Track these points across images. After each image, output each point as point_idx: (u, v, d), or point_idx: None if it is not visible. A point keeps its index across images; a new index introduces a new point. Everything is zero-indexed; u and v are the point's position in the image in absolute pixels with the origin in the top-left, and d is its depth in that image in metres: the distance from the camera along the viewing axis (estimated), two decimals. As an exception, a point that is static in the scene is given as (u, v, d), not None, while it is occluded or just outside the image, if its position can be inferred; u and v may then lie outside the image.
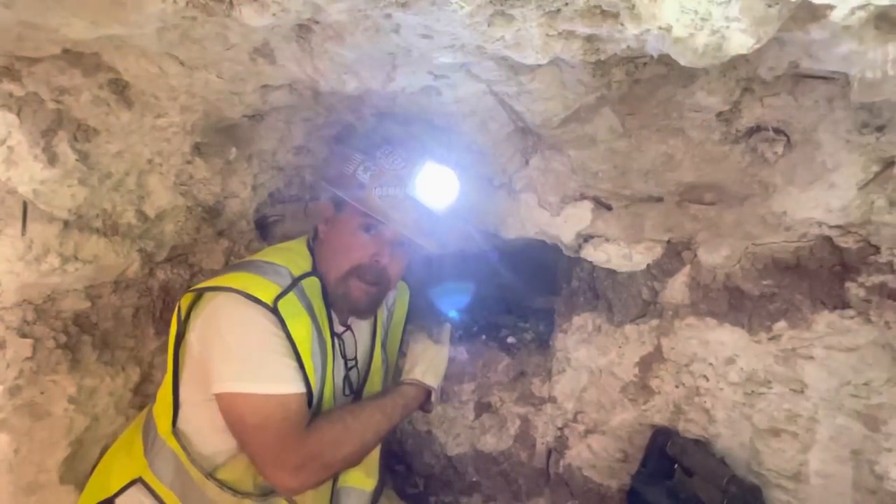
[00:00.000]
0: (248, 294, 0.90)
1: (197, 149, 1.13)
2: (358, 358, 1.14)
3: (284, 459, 0.88)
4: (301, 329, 0.95)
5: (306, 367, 0.94)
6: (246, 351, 0.90)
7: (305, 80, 0.96)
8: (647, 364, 1.27)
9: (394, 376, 1.35)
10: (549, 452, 1.50)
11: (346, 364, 1.12)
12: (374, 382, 1.18)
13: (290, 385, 0.90)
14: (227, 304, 0.91)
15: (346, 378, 1.12)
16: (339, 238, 1.04)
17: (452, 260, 1.75)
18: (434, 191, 1.03)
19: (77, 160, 0.93)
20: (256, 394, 0.88)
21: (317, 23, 0.79)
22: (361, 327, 1.17)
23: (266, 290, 0.92)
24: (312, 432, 0.91)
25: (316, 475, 0.92)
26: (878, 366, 0.94)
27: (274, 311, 0.91)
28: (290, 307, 0.94)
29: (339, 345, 1.09)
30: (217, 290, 0.92)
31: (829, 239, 0.99)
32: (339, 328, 1.10)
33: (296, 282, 0.98)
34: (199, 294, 0.96)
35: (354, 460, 0.99)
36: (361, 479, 1.16)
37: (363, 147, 1.10)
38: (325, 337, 1.01)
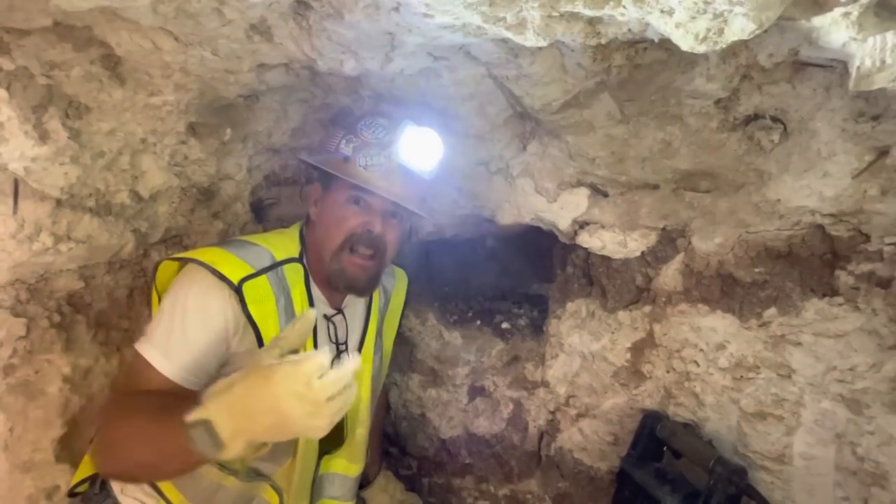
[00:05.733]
0: (214, 269, 0.89)
1: (191, 129, 1.11)
2: (349, 343, 1.14)
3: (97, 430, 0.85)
4: (265, 313, 0.93)
5: (265, 338, 0.93)
6: (174, 318, 0.88)
7: (303, 60, 0.95)
8: (639, 349, 1.29)
9: (390, 364, 1.36)
10: (541, 435, 1.53)
11: (337, 348, 1.12)
12: (363, 372, 1.17)
13: (168, 363, 0.85)
14: (190, 275, 0.91)
15: (338, 361, 1.12)
16: (329, 215, 1.03)
17: (448, 246, 1.76)
18: (418, 153, 1.01)
19: (69, 138, 0.91)
20: (142, 356, 0.86)
21: (315, -1, 0.78)
22: (355, 312, 1.17)
23: (236, 269, 0.91)
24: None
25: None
26: (864, 352, 0.96)
27: (238, 290, 0.90)
28: (257, 291, 0.93)
29: (330, 329, 1.09)
30: (189, 263, 0.93)
31: (821, 227, 1.01)
32: (329, 311, 1.09)
33: (274, 266, 0.98)
34: (179, 267, 0.96)
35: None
36: (344, 466, 1.17)
37: (343, 123, 1.09)
38: None
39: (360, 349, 1.18)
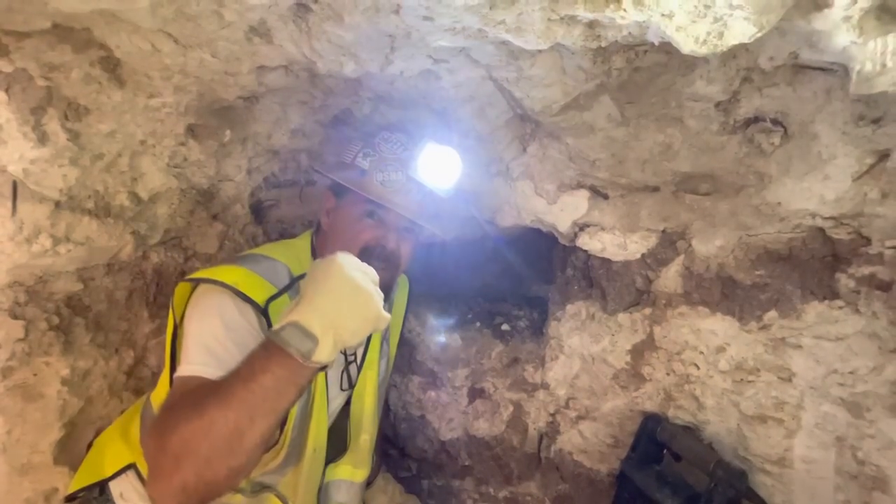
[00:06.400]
0: (239, 292, 0.86)
1: (191, 130, 1.11)
2: (357, 353, 1.14)
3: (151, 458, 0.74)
4: None
5: None
6: (207, 339, 0.83)
7: (302, 62, 0.95)
8: (639, 352, 1.29)
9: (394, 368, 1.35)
10: (541, 438, 1.53)
11: (346, 359, 1.12)
12: (367, 378, 1.17)
13: (214, 370, 0.77)
14: (215, 298, 0.87)
15: (346, 372, 1.12)
16: (342, 227, 1.02)
17: (449, 248, 1.75)
18: (436, 172, 1.01)
19: (68, 139, 0.91)
20: (184, 376, 0.79)
21: (315, 1, 0.78)
22: None
23: (260, 290, 0.89)
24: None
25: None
26: (864, 355, 0.96)
27: (265, 313, 0.87)
28: (282, 310, 0.88)
29: None
30: (210, 284, 0.88)
31: (821, 230, 1.00)
32: None
33: (293, 282, 0.95)
34: (195, 285, 0.91)
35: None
36: (350, 472, 1.16)
37: (361, 133, 1.09)
38: None
39: (364, 356, 1.17)
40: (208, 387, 0.72)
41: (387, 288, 1.04)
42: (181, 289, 0.92)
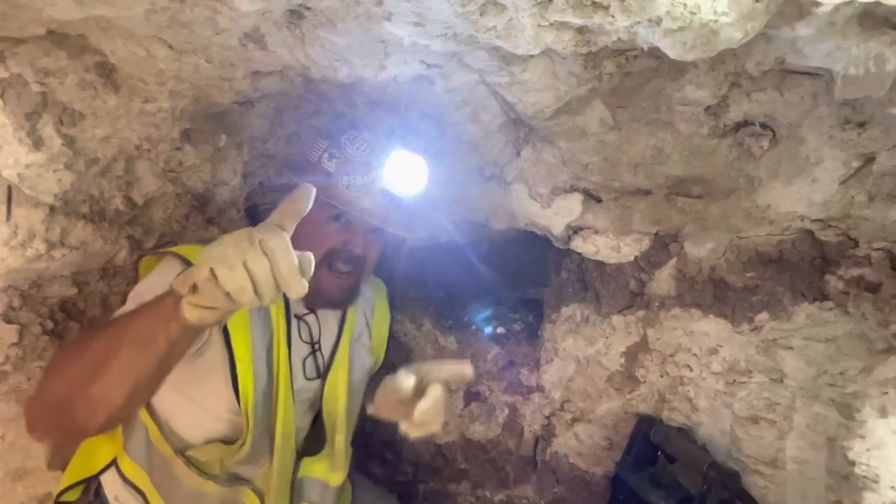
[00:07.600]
0: (189, 261, 0.89)
1: (186, 135, 1.12)
2: (322, 343, 1.13)
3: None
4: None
5: (234, 340, 0.92)
6: (143, 292, 0.85)
7: (297, 67, 0.96)
8: (633, 354, 1.30)
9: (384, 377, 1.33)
10: (537, 440, 1.53)
11: (312, 347, 1.11)
12: (338, 377, 1.14)
13: None
14: (163, 266, 0.92)
15: (311, 359, 1.11)
16: (309, 229, 1.00)
17: (443, 251, 1.76)
18: (403, 179, 1.01)
19: (63, 144, 0.91)
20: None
21: (308, 9, 0.79)
22: (328, 314, 1.14)
23: None
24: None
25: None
26: (854, 356, 0.97)
27: None
28: None
29: (300, 327, 1.08)
30: (170, 256, 0.93)
31: (810, 232, 1.02)
32: (300, 311, 1.09)
33: None
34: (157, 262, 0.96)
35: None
36: (325, 472, 1.13)
37: (327, 132, 1.09)
38: (271, 318, 1.00)
39: (334, 351, 1.15)
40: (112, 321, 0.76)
41: (354, 290, 1.08)
42: (144, 266, 0.98)
